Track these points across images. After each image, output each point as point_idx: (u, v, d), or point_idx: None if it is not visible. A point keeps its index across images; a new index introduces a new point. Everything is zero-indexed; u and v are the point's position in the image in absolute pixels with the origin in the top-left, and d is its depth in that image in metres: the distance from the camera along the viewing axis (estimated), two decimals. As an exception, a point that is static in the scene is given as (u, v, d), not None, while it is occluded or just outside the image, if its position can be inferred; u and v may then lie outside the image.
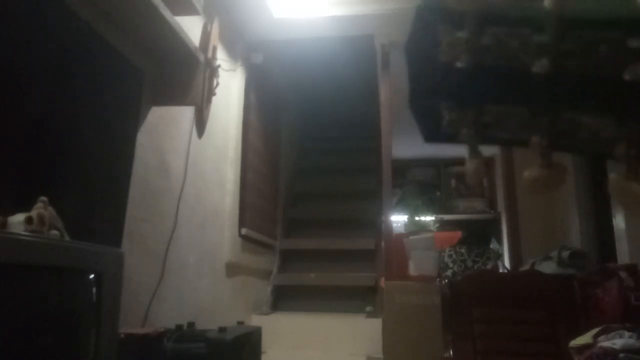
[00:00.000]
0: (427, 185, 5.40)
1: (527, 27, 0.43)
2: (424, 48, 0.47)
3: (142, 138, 1.98)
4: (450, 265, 3.08)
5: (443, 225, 4.57)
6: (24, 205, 1.10)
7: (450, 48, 0.46)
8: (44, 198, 1.12)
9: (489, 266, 3.04)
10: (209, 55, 2.41)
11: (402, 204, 5.14)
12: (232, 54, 3.10)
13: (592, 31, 0.41)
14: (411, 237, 3.59)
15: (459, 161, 5.06)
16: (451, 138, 0.51)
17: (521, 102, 0.47)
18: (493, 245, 3.41)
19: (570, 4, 0.41)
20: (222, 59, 2.71)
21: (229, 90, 3.07)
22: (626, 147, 0.43)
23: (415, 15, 0.47)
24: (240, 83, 3.29)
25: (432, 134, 0.52)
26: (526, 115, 0.47)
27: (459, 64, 0.46)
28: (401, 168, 5.16)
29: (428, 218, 4.96)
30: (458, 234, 3.40)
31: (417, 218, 5.02)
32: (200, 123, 2.56)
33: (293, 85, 4.89)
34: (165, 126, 2.23)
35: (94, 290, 1.10)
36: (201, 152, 2.59)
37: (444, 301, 2.22)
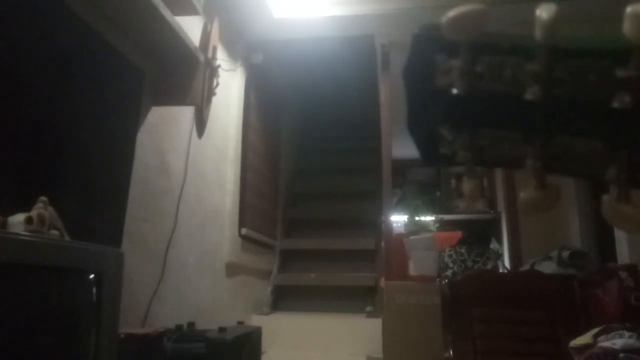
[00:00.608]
0: (427, 185, 5.41)
1: (519, 56, 0.45)
2: (421, 74, 0.50)
3: (142, 138, 1.98)
4: (450, 265, 3.08)
5: (443, 225, 4.57)
6: (24, 205, 1.10)
7: (445, 75, 0.49)
8: (44, 198, 1.12)
9: (489, 266, 3.04)
10: (209, 55, 2.41)
11: (402, 204, 5.14)
12: (232, 54, 3.10)
13: (581, 61, 0.43)
14: (411, 237, 3.58)
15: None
16: (448, 160, 0.53)
17: (514, 126, 0.49)
18: (493, 245, 3.41)
19: (559, 35, 0.43)
20: (222, 59, 2.71)
21: (229, 90, 3.07)
22: (617, 171, 0.45)
23: (411, 43, 0.50)
24: (240, 83, 3.29)
25: (430, 157, 0.55)
26: (519, 139, 0.49)
27: (454, 90, 0.48)
28: (401, 168, 5.16)
29: (428, 218, 4.96)
30: (458, 234, 3.40)
31: (417, 218, 5.01)
32: (200, 123, 2.56)
33: (293, 85, 4.89)
34: (165, 126, 2.23)
35: (94, 290, 1.10)
36: (201, 152, 2.59)
37: (444, 301, 2.22)
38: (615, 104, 0.42)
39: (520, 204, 0.50)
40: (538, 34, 0.43)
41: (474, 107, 0.48)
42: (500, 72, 0.46)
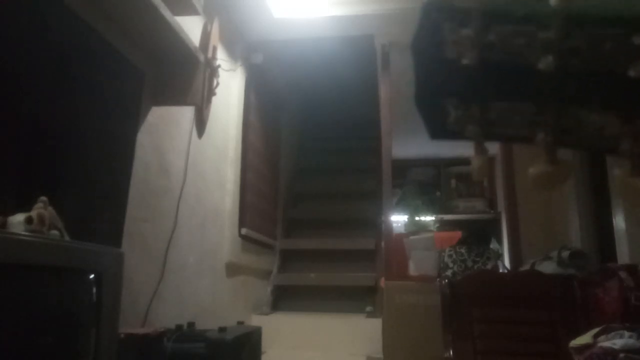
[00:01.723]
0: (427, 185, 5.40)
1: (532, 24, 0.43)
2: (430, 46, 0.48)
3: (142, 138, 1.98)
4: (450, 265, 3.08)
5: (443, 225, 4.58)
6: (24, 205, 1.10)
7: (455, 45, 0.46)
8: (44, 198, 1.12)
9: (489, 266, 3.04)
10: (209, 55, 2.41)
11: (402, 204, 5.14)
12: (232, 54, 3.10)
13: (597, 28, 0.41)
14: (411, 237, 3.59)
15: (459, 161, 5.07)
16: (457, 135, 0.51)
17: (526, 98, 0.47)
18: (493, 245, 3.41)
19: (575, 1, 0.41)
20: (222, 59, 2.71)
21: (229, 90, 3.07)
22: (631, 144, 0.44)
23: (420, 13, 0.47)
24: (240, 83, 3.29)
25: (438, 131, 0.53)
26: (531, 112, 0.47)
27: (464, 61, 0.46)
28: (401, 168, 5.16)
29: (428, 218, 4.96)
30: (458, 234, 3.40)
31: (417, 218, 5.01)
32: (200, 123, 2.56)
33: (293, 85, 4.89)
34: (165, 126, 2.23)
35: (94, 290, 1.10)
36: (201, 152, 2.59)
37: (444, 301, 2.22)
38: (632, 73, 0.40)
39: (530, 179, 0.49)
40: (553, 0, 0.41)
41: (484, 79, 0.46)
42: (512, 42, 0.44)
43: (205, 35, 2.48)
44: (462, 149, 4.68)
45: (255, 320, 3.29)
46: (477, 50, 0.45)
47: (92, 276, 1.11)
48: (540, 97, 0.46)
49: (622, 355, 1.38)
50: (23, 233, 1.02)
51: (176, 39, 1.98)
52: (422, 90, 0.51)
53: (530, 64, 0.44)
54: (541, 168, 0.47)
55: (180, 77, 2.16)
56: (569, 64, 0.43)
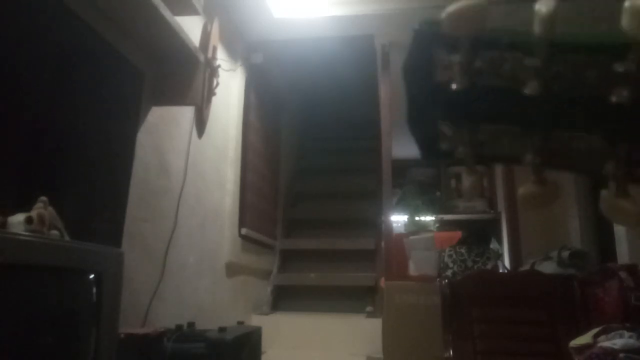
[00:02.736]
0: (427, 185, 5.40)
1: (518, 51, 0.45)
2: (421, 70, 0.50)
3: (142, 138, 1.98)
4: (450, 265, 3.08)
5: (443, 225, 4.57)
6: (24, 205, 1.10)
7: (445, 70, 0.49)
8: (44, 198, 1.12)
9: (489, 266, 3.04)
10: (209, 55, 2.41)
11: (402, 204, 5.14)
12: (232, 54, 3.10)
13: (580, 56, 0.43)
14: (411, 237, 3.58)
15: (459, 161, 5.08)
16: (448, 156, 0.53)
17: (514, 121, 0.49)
18: (493, 245, 3.41)
19: (558, 29, 0.43)
20: (222, 59, 2.71)
21: (229, 90, 3.07)
22: (615, 166, 0.45)
23: (412, 39, 0.50)
24: (240, 83, 3.29)
25: (430, 153, 0.55)
26: (518, 134, 0.49)
27: (454, 86, 0.48)
28: (401, 168, 5.15)
29: (428, 218, 4.96)
30: (458, 234, 3.40)
31: (417, 218, 5.01)
32: (200, 123, 2.56)
33: (293, 85, 4.88)
34: (165, 126, 2.23)
35: (94, 290, 1.10)
36: (201, 152, 2.59)
37: (444, 301, 2.22)
38: (614, 99, 0.42)
39: (519, 199, 0.50)
40: (537, 28, 0.42)
41: (473, 103, 0.48)
42: (500, 67, 0.46)
43: (205, 35, 2.48)
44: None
45: (255, 320, 3.29)
46: (466, 75, 0.47)
47: (92, 276, 1.11)
48: (526, 121, 0.48)
49: (622, 355, 1.38)
50: (23, 233, 1.02)
51: (176, 39, 1.98)
52: (413, 113, 0.52)
53: (517, 89, 0.45)
54: (530, 188, 0.49)
55: (180, 77, 2.16)
56: (554, 89, 0.44)
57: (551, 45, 0.43)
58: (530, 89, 0.44)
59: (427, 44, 0.49)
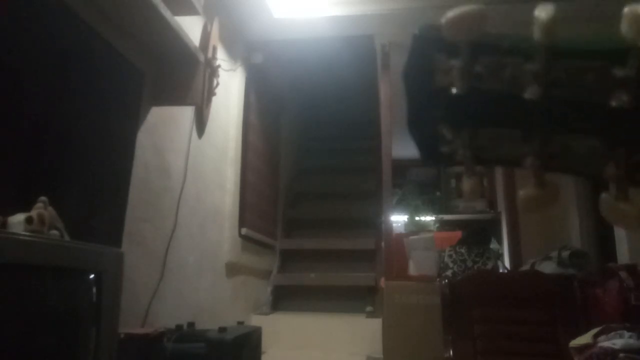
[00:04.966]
0: (427, 185, 5.41)
1: (518, 56, 0.46)
2: (421, 74, 0.51)
3: (142, 138, 1.98)
4: (450, 265, 3.08)
5: (443, 225, 4.57)
6: (24, 205, 1.10)
7: (445, 75, 0.49)
8: (44, 198, 1.12)
9: (489, 266, 3.04)
10: (209, 55, 2.41)
11: (402, 204, 5.14)
12: (232, 54, 3.10)
13: (579, 60, 0.44)
14: (411, 237, 3.58)
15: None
16: (448, 160, 0.54)
17: (513, 125, 0.50)
18: (493, 245, 3.41)
19: (557, 35, 0.43)
20: (222, 59, 2.71)
21: (229, 90, 3.07)
22: (614, 169, 0.45)
23: (411, 44, 0.50)
24: (240, 83, 3.29)
25: (430, 156, 0.56)
26: (519, 138, 0.49)
27: (454, 90, 0.48)
28: (401, 168, 5.16)
29: (428, 218, 4.96)
30: (458, 234, 3.40)
31: (417, 218, 5.01)
32: (200, 123, 2.56)
33: (293, 85, 4.89)
34: (165, 126, 2.23)
35: (94, 290, 1.10)
36: (201, 152, 2.59)
37: (444, 301, 2.22)
38: (613, 103, 0.42)
39: (520, 202, 0.51)
40: (537, 34, 0.43)
41: (473, 107, 0.49)
42: (500, 72, 0.46)
43: (205, 35, 2.48)
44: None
45: (255, 320, 3.29)
46: (466, 80, 0.48)
47: (92, 276, 1.11)
48: (527, 124, 0.49)
49: (622, 355, 1.38)
50: (23, 233, 1.02)
51: (176, 39, 1.98)
52: (413, 117, 0.53)
53: (517, 93, 0.46)
54: (530, 191, 0.50)
55: (180, 77, 2.16)
56: (554, 93, 0.45)
57: (551, 51, 0.44)
58: (531, 93, 0.45)
59: (427, 49, 0.49)
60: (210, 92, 2.44)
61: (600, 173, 0.47)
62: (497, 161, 0.54)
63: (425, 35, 0.49)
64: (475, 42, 0.46)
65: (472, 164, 0.53)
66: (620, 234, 2.43)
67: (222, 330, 1.78)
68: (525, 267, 2.67)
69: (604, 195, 0.46)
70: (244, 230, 3.16)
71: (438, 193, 5.36)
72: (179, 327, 1.84)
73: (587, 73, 0.43)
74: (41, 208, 1.10)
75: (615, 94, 0.42)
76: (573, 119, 0.46)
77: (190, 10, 2.06)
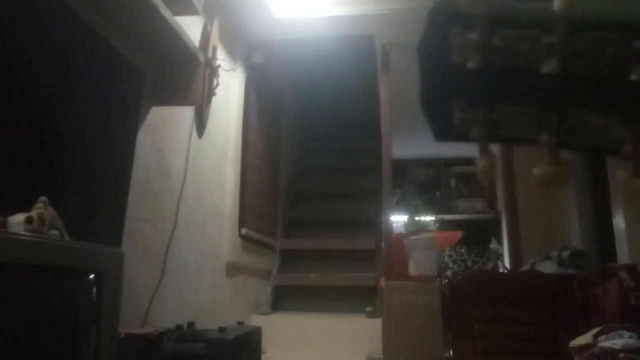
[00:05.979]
0: (427, 185, 5.41)
1: (536, 28, 0.44)
2: (436, 49, 0.49)
3: (142, 138, 1.98)
4: (450, 265, 3.08)
5: (443, 225, 4.57)
6: (24, 205, 1.10)
7: (461, 49, 0.48)
8: (44, 198, 1.12)
9: (489, 266, 3.04)
10: (209, 55, 2.41)
11: (402, 204, 5.14)
12: (232, 54, 3.10)
13: (599, 33, 0.42)
14: (411, 237, 3.58)
15: (459, 161, 5.07)
16: (462, 137, 0.53)
17: (530, 101, 0.48)
18: (493, 245, 3.41)
19: (578, 6, 0.42)
20: (222, 59, 2.71)
21: (229, 90, 3.07)
22: (632, 146, 0.44)
23: (427, 17, 0.49)
24: (240, 83, 3.29)
25: (443, 133, 0.54)
26: (535, 114, 0.48)
27: (469, 65, 0.47)
28: (401, 168, 5.16)
29: (428, 218, 4.96)
30: (458, 234, 3.40)
31: (417, 218, 5.01)
32: (200, 123, 2.56)
33: (293, 85, 4.89)
34: (165, 126, 2.23)
35: (94, 290, 1.10)
36: (201, 152, 2.59)
37: (444, 301, 2.22)
38: (633, 77, 0.41)
39: (533, 179, 0.49)
40: (556, 5, 0.42)
41: (489, 82, 0.47)
42: (517, 46, 0.45)
43: (205, 35, 2.48)
44: (462, 149, 4.69)
45: (255, 320, 3.29)
46: (483, 54, 0.46)
47: (92, 276, 1.11)
48: (544, 100, 0.47)
49: (622, 355, 1.38)
50: (23, 233, 1.02)
51: (176, 39, 1.98)
52: (427, 93, 0.52)
53: (535, 68, 0.45)
54: (544, 169, 0.48)
55: (180, 77, 2.16)
56: (572, 67, 0.44)
57: (569, 23, 0.42)
58: (549, 67, 0.44)
59: (443, 22, 0.48)
60: (210, 92, 2.44)
61: (617, 150, 0.46)
62: (512, 138, 0.52)
63: (442, 8, 0.47)
64: (493, 15, 0.44)
65: (486, 142, 0.52)
66: (620, 234, 2.43)
67: (222, 330, 1.77)
68: (525, 267, 2.66)
69: (620, 172, 0.45)
70: (244, 230, 3.16)
71: (438, 193, 5.37)
72: (179, 327, 1.84)
73: (607, 46, 0.42)
74: (41, 208, 1.10)
75: (636, 67, 0.41)
76: (591, 94, 0.44)
77: (190, 10, 2.06)
